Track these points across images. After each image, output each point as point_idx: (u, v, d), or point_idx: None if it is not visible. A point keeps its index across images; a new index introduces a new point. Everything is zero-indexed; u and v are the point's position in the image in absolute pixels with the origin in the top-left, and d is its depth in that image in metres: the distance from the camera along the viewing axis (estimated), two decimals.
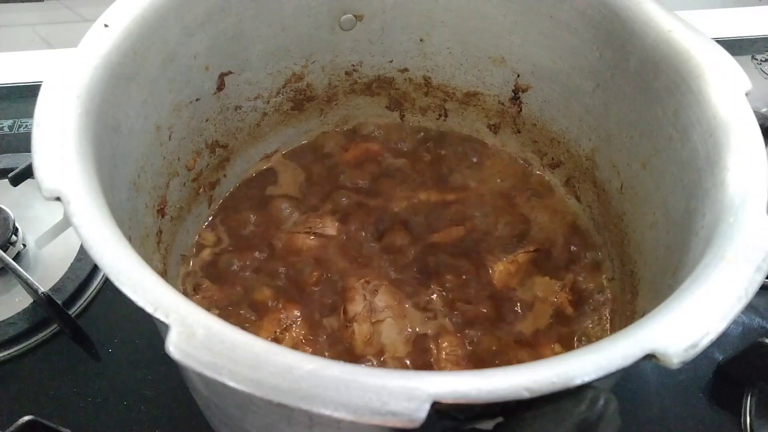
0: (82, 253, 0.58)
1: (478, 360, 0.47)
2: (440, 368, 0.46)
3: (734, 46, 0.81)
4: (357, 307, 0.48)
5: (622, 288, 0.49)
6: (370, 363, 0.46)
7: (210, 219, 0.56)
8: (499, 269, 0.51)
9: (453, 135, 0.63)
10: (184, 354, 0.24)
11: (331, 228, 0.54)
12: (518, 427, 0.24)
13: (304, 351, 0.47)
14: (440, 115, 0.63)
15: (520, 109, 0.58)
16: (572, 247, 0.54)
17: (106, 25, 0.39)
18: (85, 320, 0.54)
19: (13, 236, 0.57)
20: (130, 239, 0.32)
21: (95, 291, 0.56)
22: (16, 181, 0.57)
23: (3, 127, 0.71)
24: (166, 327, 0.25)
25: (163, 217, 0.48)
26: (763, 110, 0.68)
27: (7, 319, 0.53)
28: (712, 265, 0.30)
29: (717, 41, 0.40)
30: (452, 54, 0.57)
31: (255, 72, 0.53)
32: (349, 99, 0.62)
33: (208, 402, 0.38)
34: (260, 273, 0.52)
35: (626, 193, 0.49)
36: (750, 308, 0.57)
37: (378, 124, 0.64)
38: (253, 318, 0.49)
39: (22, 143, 0.69)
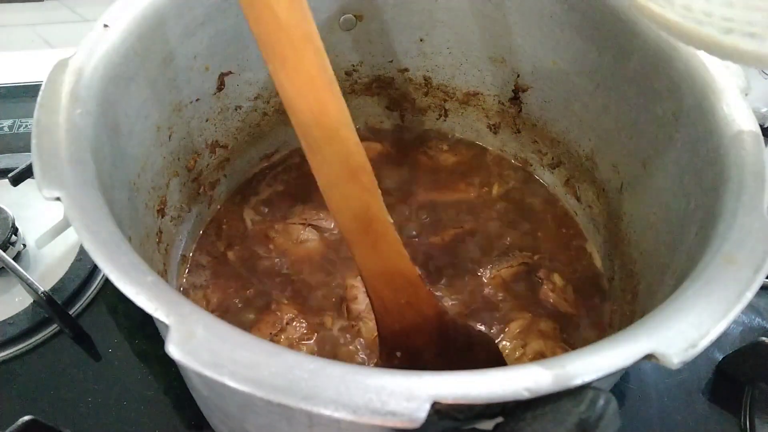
0: (82, 253, 0.58)
1: None
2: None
3: None
4: (360, 305, 0.48)
5: (622, 288, 0.49)
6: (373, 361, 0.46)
7: (211, 219, 0.56)
8: (488, 277, 0.52)
9: (453, 136, 0.63)
10: (184, 354, 0.24)
11: (326, 221, 0.54)
12: (518, 427, 0.24)
13: (302, 350, 0.47)
14: (440, 115, 0.63)
15: (520, 110, 0.58)
16: (566, 254, 0.54)
17: (106, 25, 0.39)
18: (85, 320, 0.54)
19: (13, 236, 0.57)
20: (130, 239, 0.32)
21: (95, 291, 0.56)
22: (16, 181, 0.57)
23: (3, 127, 0.71)
24: (166, 327, 0.25)
25: (163, 217, 0.48)
26: (763, 110, 0.68)
27: (7, 319, 0.53)
28: (712, 265, 0.30)
29: None
30: (452, 54, 0.57)
31: (255, 72, 0.53)
32: (349, 99, 0.61)
33: (208, 402, 0.38)
34: (260, 272, 0.52)
35: (626, 193, 0.49)
36: (750, 308, 0.57)
37: (378, 124, 0.64)
38: (251, 317, 0.49)
39: (22, 143, 0.69)
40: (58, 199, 0.30)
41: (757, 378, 0.50)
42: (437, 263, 0.52)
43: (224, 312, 0.49)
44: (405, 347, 0.39)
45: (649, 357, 0.26)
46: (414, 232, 0.55)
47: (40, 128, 0.32)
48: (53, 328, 0.54)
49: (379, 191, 0.32)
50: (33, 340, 0.53)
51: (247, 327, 0.48)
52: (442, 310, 0.39)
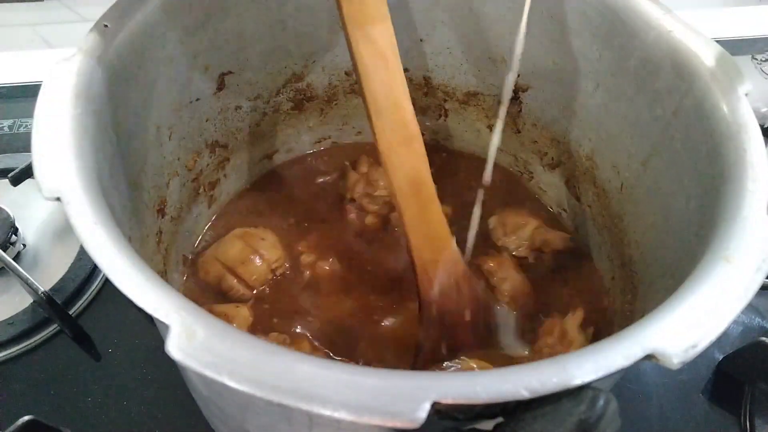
0: (82, 253, 0.58)
1: None
2: None
3: (734, 46, 0.81)
4: None
5: (622, 288, 0.49)
6: None
7: (212, 219, 0.56)
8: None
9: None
10: (184, 354, 0.24)
11: None
12: (518, 427, 0.24)
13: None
14: (440, 116, 0.63)
15: (520, 109, 0.58)
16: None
17: (106, 25, 0.39)
18: (85, 320, 0.54)
19: (13, 236, 0.57)
20: (130, 239, 0.32)
21: (95, 291, 0.56)
22: (16, 181, 0.57)
23: (3, 127, 0.71)
24: (166, 327, 0.25)
25: (163, 217, 0.48)
26: (763, 110, 0.68)
27: (7, 319, 0.53)
28: (712, 265, 0.30)
29: (717, 41, 0.40)
30: (452, 54, 0.57)
31: (255, 72, 0.53)
32: (349, 99, 0.61)
33: (208, 402, 0.38)
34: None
35: (626, 193, 0.49)
36: (750, 308, 0.57)
37: None
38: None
39: (22, 143, 0.69)
40: (58, 199, 0.30)
41: (757, 378, 0.50)
42: None
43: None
44: (441, 316, 0.42)
45: (649, 357, 0.26)
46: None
47: (40, 128, 0.32)
48: (53, 328, 0.54)
49: (427, 160, 0.37)
50: (33, 340, 0.53)
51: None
52: (473, 284, 0.42)
